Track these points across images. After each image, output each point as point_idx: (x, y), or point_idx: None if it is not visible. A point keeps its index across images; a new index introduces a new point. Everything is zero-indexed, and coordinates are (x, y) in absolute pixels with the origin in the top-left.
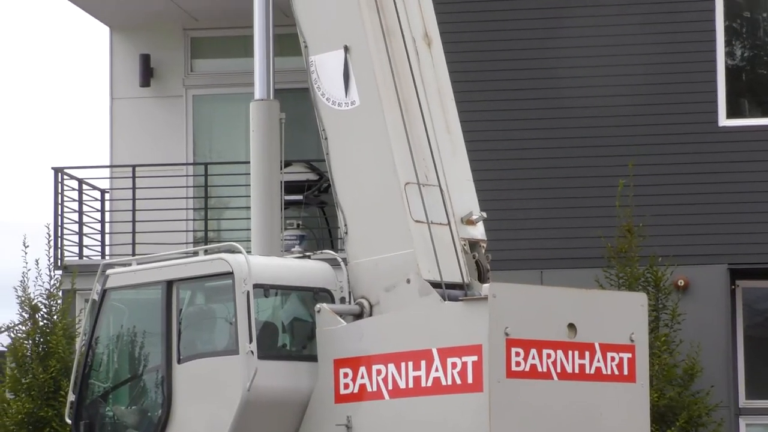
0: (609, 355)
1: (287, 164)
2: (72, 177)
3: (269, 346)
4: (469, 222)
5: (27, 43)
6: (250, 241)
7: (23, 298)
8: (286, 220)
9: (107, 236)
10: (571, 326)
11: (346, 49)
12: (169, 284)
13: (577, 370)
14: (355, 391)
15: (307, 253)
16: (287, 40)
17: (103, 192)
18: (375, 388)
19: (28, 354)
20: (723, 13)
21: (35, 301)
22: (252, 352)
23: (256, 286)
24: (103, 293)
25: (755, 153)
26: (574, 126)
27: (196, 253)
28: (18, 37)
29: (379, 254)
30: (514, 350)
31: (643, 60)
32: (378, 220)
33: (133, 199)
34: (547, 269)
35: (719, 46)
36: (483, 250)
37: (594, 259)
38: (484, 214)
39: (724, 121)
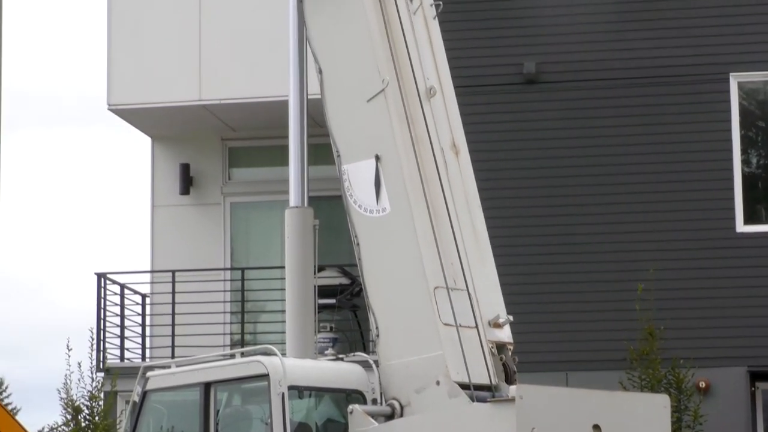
0: None
1: (321, 269)
2: (114, 282)
3: None
4: (496, 325)
5: (72, 155)
6: (285, 343)
7: (66, 400)
8: (320, 323)
9: (148, 339)
10: (596, 427)
11: (377, 158)
12: (207, 386)
13: None
14: None
15: (340, 356)
16: (321, 150)
17: (144, 296)
18: None
19: None
20: (739, 122)
21: (78, 402)
22: None
23: (290, 387)
24: (144, 395)
25: None
26: (596, 232)
27: (233, 356)
28: (64, 148)
29: (409, 356)
30: None
31: (663, 168)
32: (408, 324)
33: (173, 303)
34: (573, 371)
35: (736, 155)
36: (510, 353)
37: (617, 361)
38: (511, 318)
39: (741, 227)
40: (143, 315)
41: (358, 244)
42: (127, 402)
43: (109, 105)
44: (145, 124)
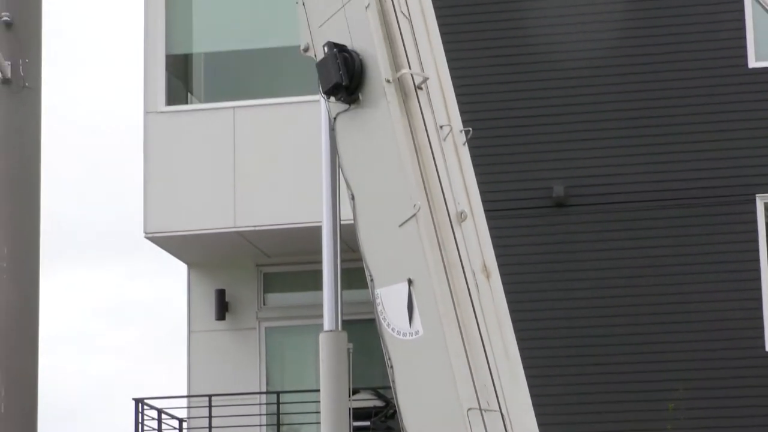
0: None
1: (355, 392)
2: (152, 407)
3: None
4: None
5: (109, 282)
6: None
7: None
8: None
9: None
10: None
11: (410, 282)
12: None
13: None
14: None
15: None
16: (354, 274)
17: (181, 421)
18: None
19: None
20: (766, 242)
21: None
22: None
23: None
24: None
25: None
26: (626, 352)
27: None
28: (101, 277)
29: None
30: None
31: (691, 288)
32: None
33: (210, 427)
34: None
35: (764, 274)
36: None
37: None
38: None
39: None
40: None
41: (391, 367)
42: None
43: (145, 233)
44: (181, 251)
